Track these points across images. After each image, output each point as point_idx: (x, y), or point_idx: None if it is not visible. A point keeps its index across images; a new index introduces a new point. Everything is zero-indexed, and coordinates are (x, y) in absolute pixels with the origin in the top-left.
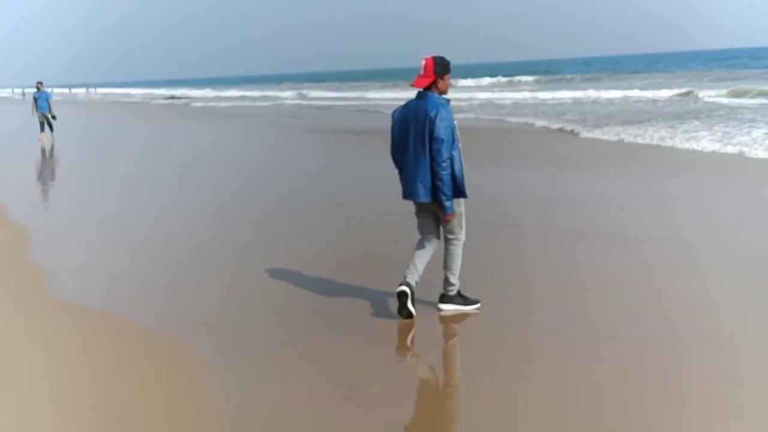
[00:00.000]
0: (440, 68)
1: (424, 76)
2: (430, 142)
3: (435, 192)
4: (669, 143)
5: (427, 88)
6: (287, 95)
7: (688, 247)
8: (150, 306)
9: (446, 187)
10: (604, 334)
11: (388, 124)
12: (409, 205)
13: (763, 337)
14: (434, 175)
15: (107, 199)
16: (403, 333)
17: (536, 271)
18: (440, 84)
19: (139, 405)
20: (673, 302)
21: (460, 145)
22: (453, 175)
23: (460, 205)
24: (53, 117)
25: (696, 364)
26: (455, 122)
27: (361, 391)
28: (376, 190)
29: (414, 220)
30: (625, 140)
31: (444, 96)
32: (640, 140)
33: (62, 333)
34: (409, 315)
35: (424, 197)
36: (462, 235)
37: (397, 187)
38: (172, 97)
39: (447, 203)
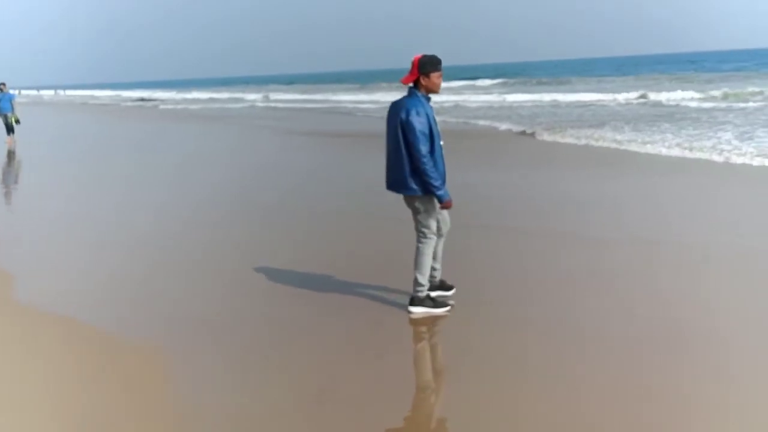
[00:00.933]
0: (424, 66)
1: (409, 73)
2: (404, 139)
3: (423, 186)
4: (626, 146)
5: (415, 86)
6: (256, 97)
7: (662, 249)
8: (118, 310)
9: (433, 179)
10: (585, 335)
11: (358, 127)
12: (392, 210)
13: (757, 336)
14: (418, 171)
15: (74, 203)
16: (377, 335)
17: (515, 273)
18: (424, 81)
19: (107, 410)
20: (642, 303)
21: (442, 142)
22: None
23: (432, 201)
24: (17, 121)
25: (691, 363)
26: (435, 118)
27: (330, 393)
28: (354, 193)
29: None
30: (583, 143)
31: (428, 94)
32: (601, 143)
33: (29, 339)
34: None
35: (401, 191)
36: (432, 234)
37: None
38: (142, 99)
39: (439, 192)
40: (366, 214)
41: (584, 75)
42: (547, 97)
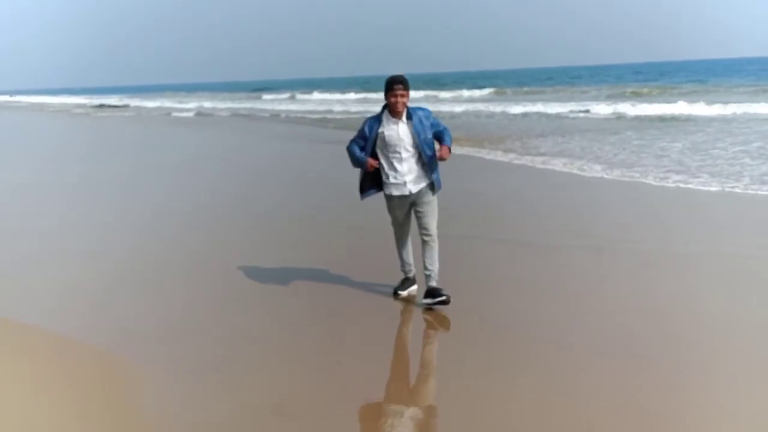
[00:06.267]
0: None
1: None
2: None
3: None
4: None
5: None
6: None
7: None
8: (79, 318)
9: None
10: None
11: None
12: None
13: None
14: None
15: (29, 209)
16: (337, 342)
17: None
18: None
19: (62, 419)
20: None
21: (405, 154)
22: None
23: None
24: None
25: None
26: (368, 128)
27: (288, 404)
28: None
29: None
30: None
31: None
32: (492, 156)
33: None
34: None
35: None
36: (392, 226)
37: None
38: (101, 105)
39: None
40: (327, 222)
41: (520, 85)
42: (471, 107)
